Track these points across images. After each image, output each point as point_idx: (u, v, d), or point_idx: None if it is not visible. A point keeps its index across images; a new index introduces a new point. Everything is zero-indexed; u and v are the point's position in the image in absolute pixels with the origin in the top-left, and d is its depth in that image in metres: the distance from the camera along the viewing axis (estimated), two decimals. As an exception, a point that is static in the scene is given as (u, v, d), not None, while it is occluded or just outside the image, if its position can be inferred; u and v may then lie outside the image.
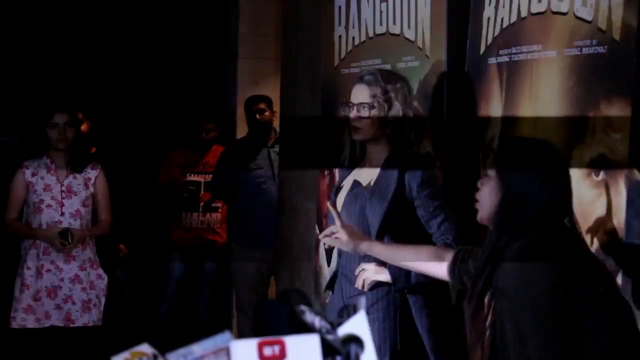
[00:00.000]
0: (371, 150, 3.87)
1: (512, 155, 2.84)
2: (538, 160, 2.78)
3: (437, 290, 3.58)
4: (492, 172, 2.83)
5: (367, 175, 3.87)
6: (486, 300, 2.79)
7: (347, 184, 3.92)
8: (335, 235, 3.42)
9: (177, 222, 7.03)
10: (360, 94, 3.78)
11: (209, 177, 6.92)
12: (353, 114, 3.75)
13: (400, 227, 3.78)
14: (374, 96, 3.75)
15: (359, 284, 3.76)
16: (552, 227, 2.74)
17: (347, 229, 3.41)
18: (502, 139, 3.88)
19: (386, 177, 3.79)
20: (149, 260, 7.33)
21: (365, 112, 3.74)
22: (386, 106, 3.77)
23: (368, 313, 1.95)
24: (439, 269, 3.11)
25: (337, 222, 3.41)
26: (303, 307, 1.84)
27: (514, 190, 2.74)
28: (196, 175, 7.04)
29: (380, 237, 3.72)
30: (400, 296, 3.76)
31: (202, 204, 7.00)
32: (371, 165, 3.84)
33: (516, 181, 2.74)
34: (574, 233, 2.83)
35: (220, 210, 7.01)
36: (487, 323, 2.79)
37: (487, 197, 2.82)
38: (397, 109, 3.80)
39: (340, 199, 3.89)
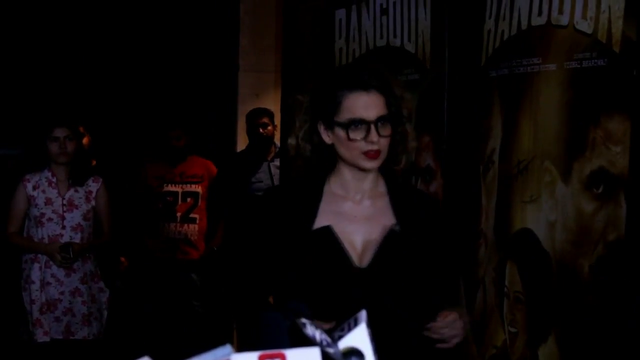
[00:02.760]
0: (362, 177, 2.91)
1: None
2: None
3: None
4: None
5: (382, 215, 2.89)
6: None
7: (362, 229, 2.87)
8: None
9: (154, 233, 6.96)
10: (375, 106, 2.80)
11: (187, 187, 6.88)
12: (373, 135, 2.76)
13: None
14: (390, 106, 2.83)
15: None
16: None
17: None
18: (502, 151, 3.89)
19: (424, 222, 2.91)
20: (141, 272, 7.29)
21: (386, 130, 2.79)
22: (405, 117, 2.89)
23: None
24: None
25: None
26: (304, 320, 1.84)
27: None
28: (173, 185, 6.96)
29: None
30: None
31: (179, 214, 6.93)
32: (371, 197, 2.91)
33: None
34: None
35: (198, 222, 6.95)
36: None
37: None
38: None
39: (352, 247, 2.84)
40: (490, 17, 3.96)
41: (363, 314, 1.85)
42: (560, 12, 3.56)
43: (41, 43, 8.78)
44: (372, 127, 2.75)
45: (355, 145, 2.78)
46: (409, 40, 4.49)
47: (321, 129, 2.83)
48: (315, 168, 2.93)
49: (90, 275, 5.34)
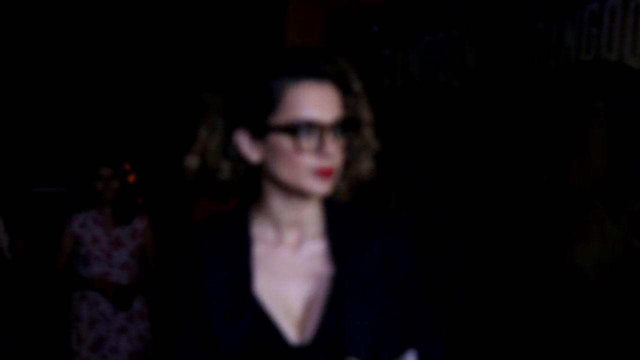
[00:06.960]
0: (299, 206, 1.94)
1: None
2: None
3: None
4: None
5: (324, 262, 1.91)
6: None
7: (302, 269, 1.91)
8: None
9: None
10: (331, 104, 1.86)
11: None
12: (329, 145, 1.83)
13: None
14: (348, 106, 1.91)
15: None
16: None
17: None
18: (550, 188, 3.84)
19: (366, 259, 1.89)
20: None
21: (342, 140, 1.88)
22: (366, 121, 1.94)
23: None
24: None
25: None
26: (352, 358, 1.81)
27: None
28: None
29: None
30: None
31: None
32: (313, 236, 1.94)
33: None
34: None
35: None
36: None
37: None
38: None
39: (291, 298, 1.90)
40: (537, 52, 3.93)
41: (411, 356, 1.81)
42: (609, 47, 3.52)
43: (92, 81, 8.87)
44: (329, 133, 1.83)
45: (302, 160, 1.83)
46: (455, 76, 4.48)
47: (242, 138, 1.91)
48: (242, 198, 2.02)
49: (138, 313, 5.35)
